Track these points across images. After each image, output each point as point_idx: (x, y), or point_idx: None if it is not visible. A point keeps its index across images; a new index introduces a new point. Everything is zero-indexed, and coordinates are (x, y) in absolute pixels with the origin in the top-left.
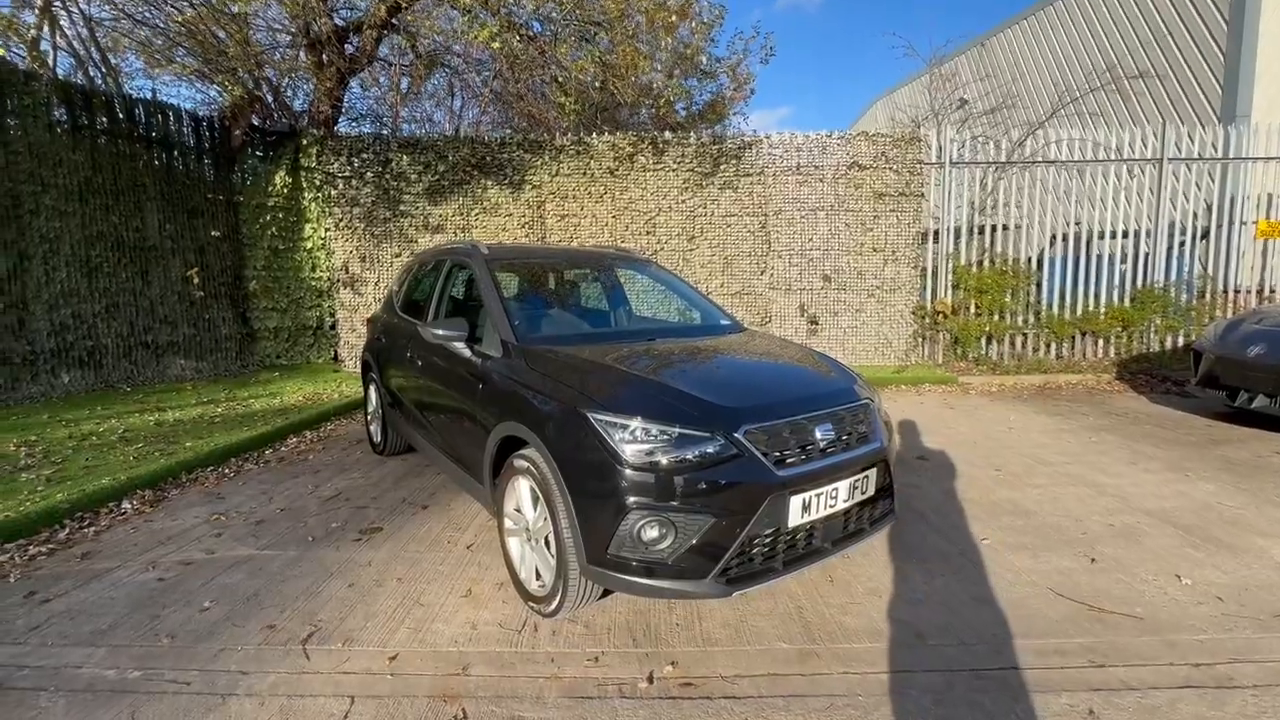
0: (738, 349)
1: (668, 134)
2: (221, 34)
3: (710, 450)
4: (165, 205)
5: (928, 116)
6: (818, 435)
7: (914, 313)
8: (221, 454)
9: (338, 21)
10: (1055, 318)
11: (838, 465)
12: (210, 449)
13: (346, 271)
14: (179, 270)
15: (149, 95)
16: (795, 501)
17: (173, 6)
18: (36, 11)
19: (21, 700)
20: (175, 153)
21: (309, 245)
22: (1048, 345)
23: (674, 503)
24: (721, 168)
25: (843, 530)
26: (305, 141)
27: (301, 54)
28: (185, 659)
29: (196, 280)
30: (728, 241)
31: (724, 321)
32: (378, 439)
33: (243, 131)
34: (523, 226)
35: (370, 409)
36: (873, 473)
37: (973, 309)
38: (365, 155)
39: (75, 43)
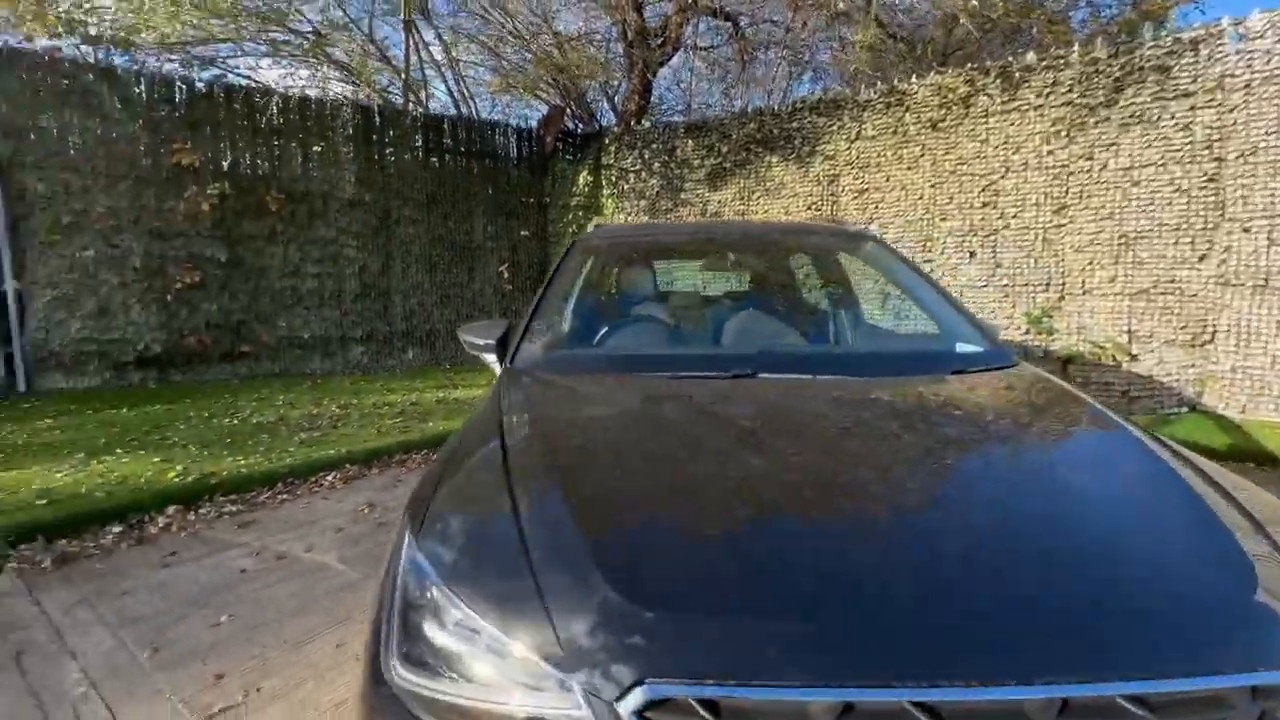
0: (906, 420)
1: (1030, 56)
2: (554, 52)
3: None
4: (489, 210)
5: None
6: None
7: None
8: (403, 447)
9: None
10: None
11: None
12: (393, 442)
13: None
14: (495, 266)
15: (485, 114)
16: None
17: (517, 37)
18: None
19: None
20: (500, 163)
21: None
22: None
23: None
24: (1127, 92)
25: None
26: (607, 140)
27: (618, 56)
28: None
29: (507, 275)
30: (1129, 209)
31: (964, 348)
32: None
33: (554, 138)
34: (809, 207)
35: None
36: None
37: None
38: (654, 146)
39: (445, 80)
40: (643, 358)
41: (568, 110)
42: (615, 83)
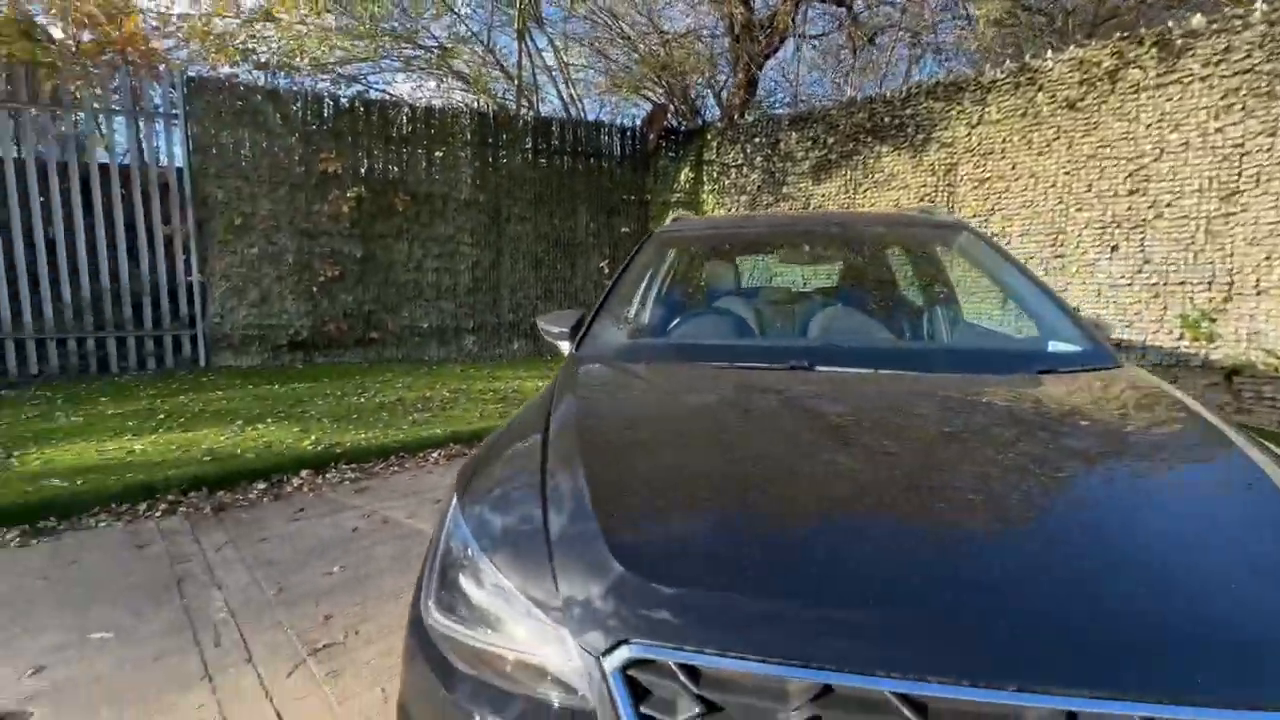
0: (962, 418)
1: (1196, 19)
2: (660, 51)
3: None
4: (592, 207)
5: None
6: None
7: None
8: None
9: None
10: None
11: None
12: (493, 425)
13: None
14: (596, 262)
15: (593, 115)
16: None
17: (624, 38)
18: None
19: None
20: (604, 162)
21: None
22: None
23: None
24: None
25: None
26: (709, 136)
27: (724, 50)
28: None
29: (607, 270)
30: None
31: (1057, 346)
32: None
33: (657, 136)
34: (922, 199)
35: None
36: None
37: None
38: (757, 140)
39: (555, 84)
40: (697, 348)
41: (670, 108)
42: (720, 78)
